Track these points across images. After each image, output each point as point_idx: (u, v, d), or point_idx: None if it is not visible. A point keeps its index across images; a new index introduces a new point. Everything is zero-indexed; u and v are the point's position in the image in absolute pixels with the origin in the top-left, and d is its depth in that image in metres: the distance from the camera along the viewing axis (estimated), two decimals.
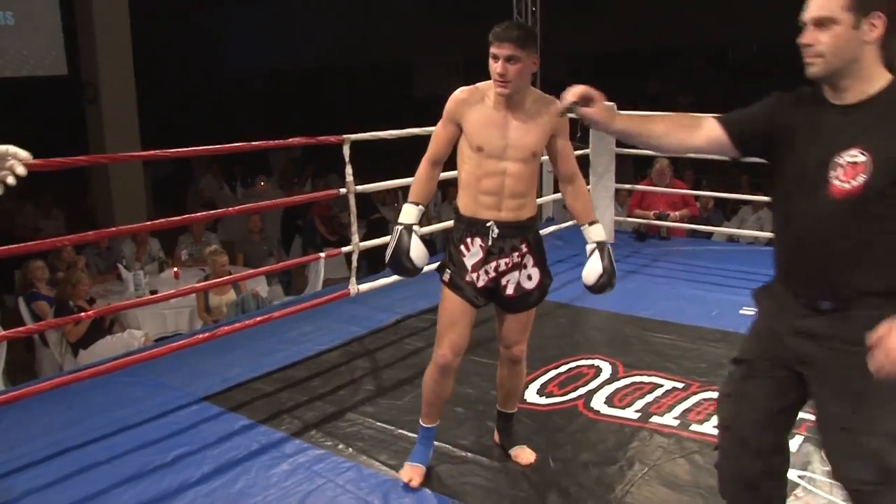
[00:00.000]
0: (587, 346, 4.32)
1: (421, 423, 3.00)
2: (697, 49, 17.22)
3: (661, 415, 3.45)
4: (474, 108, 2.71)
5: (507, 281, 2.80)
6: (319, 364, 4.07)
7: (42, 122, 12.52)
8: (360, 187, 4.45)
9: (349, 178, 4.22)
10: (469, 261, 2.77)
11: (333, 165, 10.66)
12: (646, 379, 3.82)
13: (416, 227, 2.78)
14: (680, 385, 3.72)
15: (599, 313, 4.92)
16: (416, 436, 3.11)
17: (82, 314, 3.86)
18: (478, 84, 2.74)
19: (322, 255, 4.55)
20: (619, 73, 15.95)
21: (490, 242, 2.75)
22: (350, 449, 3.17)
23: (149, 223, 4.52)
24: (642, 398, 3.62)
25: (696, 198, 7.29)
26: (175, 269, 6.95)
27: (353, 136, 4.19)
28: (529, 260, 2.81)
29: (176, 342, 4.08)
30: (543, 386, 3.76)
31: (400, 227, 2.78)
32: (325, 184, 10.07)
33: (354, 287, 4.28)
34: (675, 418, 3.41)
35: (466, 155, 2.74)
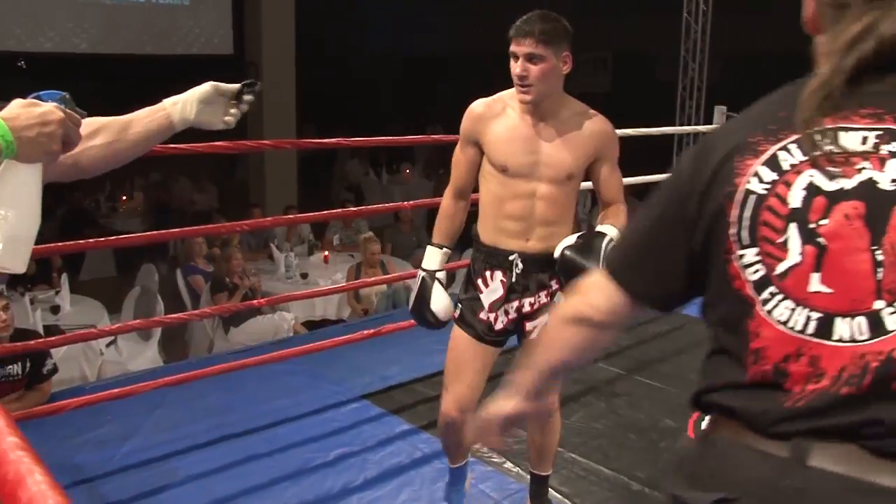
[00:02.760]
0: None
1: (448, 463, 2.66)
2: None
3: None
4: (495, 121, 2.28)
5: (534, 326, 2.35)
6: None
7: None
8: None
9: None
10: (487, 298, 2.35)
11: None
12: None
13: (440, 275, 2.40)
14: None
15: None
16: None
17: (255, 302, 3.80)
18: (500, 93, 2.33)
19: None
20: (777, 75, 15.14)
21: (513, 278, 2.32)
22: (518, 469, 2.99)
23: (298, 216, 4.49)
24: None
25: None
26: (325, 252, 6.97)
27: None
28: (559, 297, 2.34)
29: (331, 335, 4.00)
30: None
31: (422, 274, 2.40)
32: None
33: None
34: None
35: (489, 173, 2.32)
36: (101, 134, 1.48)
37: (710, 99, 7.85)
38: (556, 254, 2.17)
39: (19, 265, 1.18)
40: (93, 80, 10.11)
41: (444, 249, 2.43)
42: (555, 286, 2.33)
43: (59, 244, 3.32)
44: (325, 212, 4.08)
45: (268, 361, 3.49)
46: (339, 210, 4.88)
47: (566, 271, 2.14)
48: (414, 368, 3.84)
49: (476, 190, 2.42)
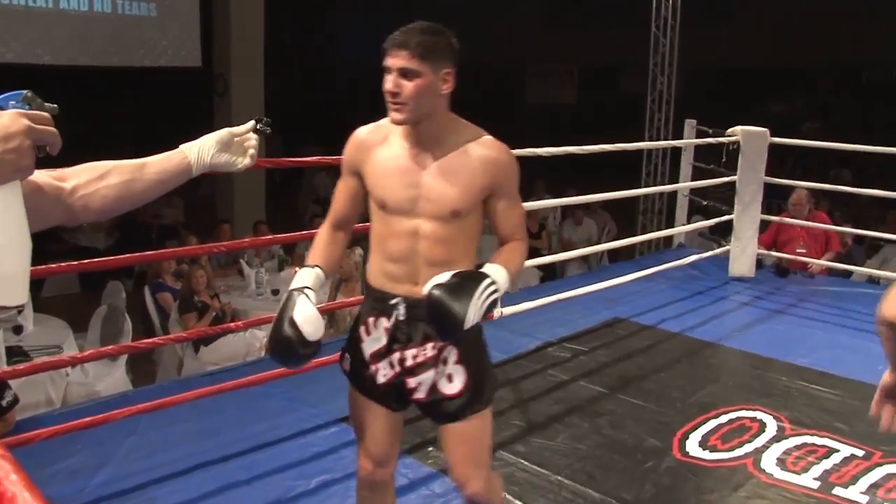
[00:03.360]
0: (744, 395, 3.96)
1: None
2: (827, 70, 16.41)
3: (846, 486, 3.09)
4: (376, 150, 2.03)
5: (418, 382, 2.07)
6: None
7: (170, 113, 12.75)
8: None
9: None
10: (368, 347, 2.09)
11: None
12: (818, 440, 3.46)
13: (309, 291, 1.96)
14: (860, 452, 3.34)
15: (750, 356, 4.55)
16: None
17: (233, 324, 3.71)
18: (384, 119, 2.03)
19: None
20: (743, 91, 15.35)
21: (395, 324, 2.05)
22: (505, 494, 2.94)
23: (274, 237, 4.41)
24: (818, 463, 3.26)
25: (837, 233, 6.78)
26: (295, 268, 6.86)
27: (515, 152, 3.94)
28: (452, 354, 2.05)
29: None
30: (706, 438, 3.44)
31: (291, 291, 1.98)
32: None
33: (499, 309, 4.05)
34: (863, 493, 3.05)
35: (372, 209, 2.07)
36: (112, 174, 1.41)
37: (678, 112, 7.91)
38: (424, 292, 1.87)
39: (18, 298, 1.08)
40: (58, 93, 9.90)
41: (318, 270, 2.03)
42: (440, 342, 2.04)
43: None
44: (299, 233, 4.00)
45: (243, 385, 3.39)
46: (314, 231, 4.78)
47: (432, 314, 1.85)
48: None
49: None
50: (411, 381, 2.07)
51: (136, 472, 3.02)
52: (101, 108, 12.68)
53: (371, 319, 2.09)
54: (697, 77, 15.77)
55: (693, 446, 3.35)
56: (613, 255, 8.26)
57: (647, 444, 3.33)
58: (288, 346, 1.90)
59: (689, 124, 6.30)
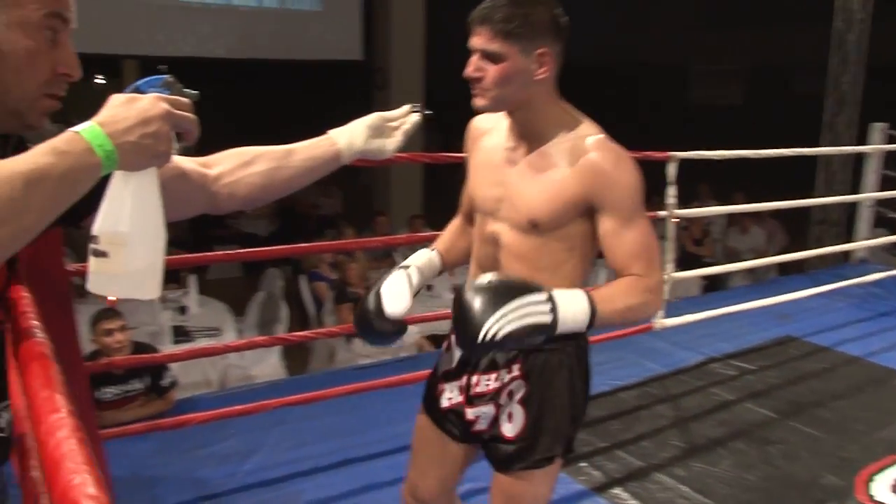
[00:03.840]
0: None
1: None
2: None
3: None
4: (482, 140, 1.78)
5: (476, 415, 1.78)
6: (617, 403, 3.64)
7: (330, 106, 13.07)
8: (681, 211, 3.95)
9: (671, 199, 3.74)
10: (443, 364, 1.87)
11: None
12: None
13: (412, 270, 1.81)
14: None
15: None
16: None
17: None
18: None
19: None
20: None
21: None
22: None
23: (424, 234, 4.29)
24: None
25: None
26: None
27: (682, 154, 3.70)
28: (519, 391, 1.73)
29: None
30: None
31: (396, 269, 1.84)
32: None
33: (660, 321, 3.81)
34: None
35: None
36: (259, 161, 1.34)
37: (863, 115, 7.30)
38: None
39: (150, 292, 1.01)
40: (228, 85, 10.35)
41: (433, 253, 1.89)
42: (508, 374, 1.73)
43: (189, 255, 3.27)
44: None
45: (395, 383, 3.32)
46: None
47: (454, 317, 1.46)
48: None
49: None
50: (469, 412, 1.79)
51: (284, 462, 3.02)
52: (261, 100, 13.13)
53: (453, 335, 1.78)
54: (883, 76, 14.64)
55: (882, 490, 2.99)
56: (782, 267, 7.74)
57: (826, 482, 3.01)
58: (364, 317, 1.76)
59: (877, 128, 5.79)
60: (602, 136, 1.61)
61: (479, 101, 1.61)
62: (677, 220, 3.86)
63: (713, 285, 7.41)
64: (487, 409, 1.76)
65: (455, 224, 1.97)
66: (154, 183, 1.00)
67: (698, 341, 4.39)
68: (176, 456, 3.02)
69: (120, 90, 1.03)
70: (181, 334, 4.72)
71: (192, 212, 1.35)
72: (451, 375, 1.82)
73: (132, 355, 3.38)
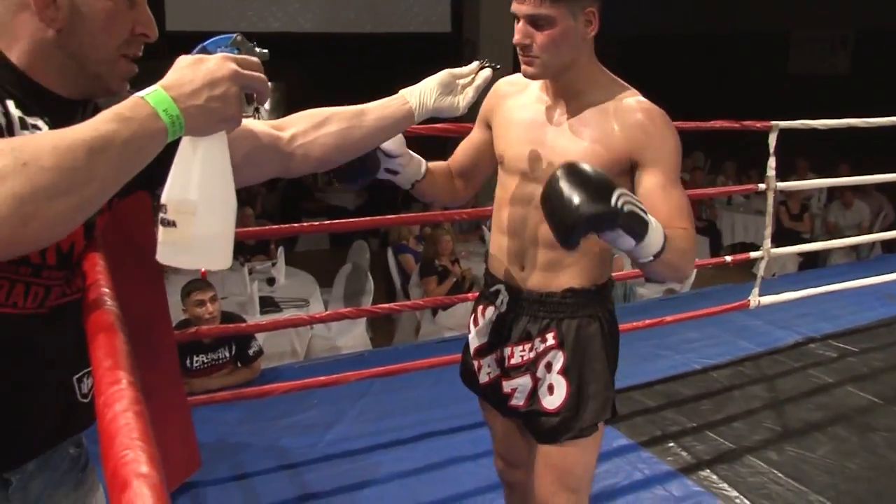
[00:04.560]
0: None
1: None
2: None
3: None
4: (510, 99, 1.71)
5: (513, 388, 1.73)
6: (707, 382, 3.52)
7: (418, 78, 13.05)
8: (783, 184, 3.76)
9: (771, 171, 3.56)
10: (474, 341, 1.80)
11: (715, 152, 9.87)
12: None
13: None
14: None
15: None
16: None
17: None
18: None
19: (728, 258, 3.92)
20: None
21: (497, 317, 1.74)
22: None
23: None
24: None
25: None
26: None
27: (784, 124, 3.51)
28: (558, 361, 1.66)
29: None
30: None
31: None
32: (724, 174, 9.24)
33: (756, 298, 3.65)
34: None
35: (498, 172, 1.76)
36: (332, 122, 1.32)
37: None
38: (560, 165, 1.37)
39: (220, 262, 0.97)
40: (318, 58, 10.44)
41: (425, 163, 1.76)
42: (543, 344, 1.67)
43: (277, 227, 3.28)
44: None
45: None
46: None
47: (544, 197, 1.34)
48: (631, 374, 3.49)
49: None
50: (506, 385, 1.74)
51: (365, 433, 3.03)
52: (348, 74, 13.23)
53: (480, 308, 1.79)
54: None
55: None
56: (888, 244, 7.35)
57: None
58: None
59: None
60: (644, 98, 1.58)
61: (529, 69, 1.55)
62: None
63: (810, 262, 7.11)
64: (524, 381, 1.71)
65: (443, 165, 1.84)
66: (223, 148, 0.96)
67: (796, 320, 4.21)
68: (260, 424, 3.06)
69: None
70: (269, 305, 4.78)
71: (265, 175, 1.33)
72: (485, 351, 1.77)
73: (220, 325, 3.43)
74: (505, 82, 1.74)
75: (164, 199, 0.94)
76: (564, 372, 1.66)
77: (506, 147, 1.69)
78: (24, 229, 0.75)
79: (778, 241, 4.22)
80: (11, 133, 0.91)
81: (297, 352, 4.62)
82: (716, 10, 16.61)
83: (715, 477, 2.76)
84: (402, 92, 1.42)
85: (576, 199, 1.27)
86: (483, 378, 1.79)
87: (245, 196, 7.98)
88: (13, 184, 0.73)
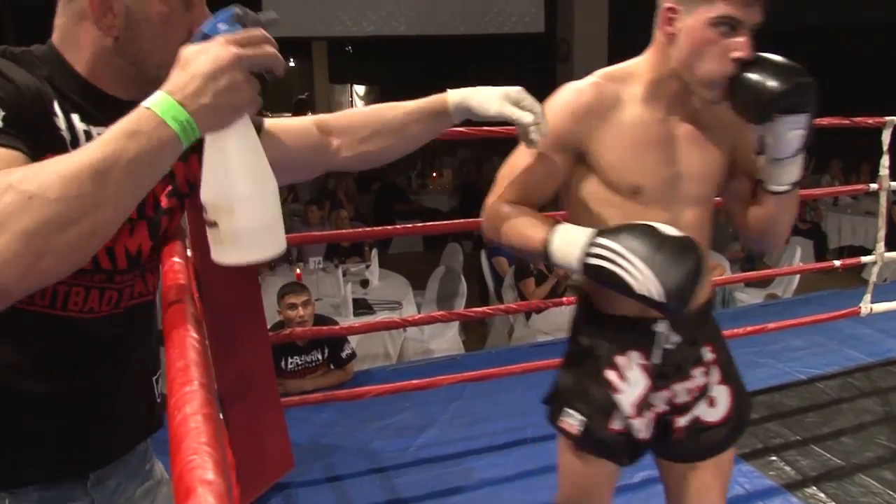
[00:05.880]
0: None
1: None
2: None
3: None
4: (611, 116, 1.44)
5: (687, 422, 1.58)
6: (814, 393, 3.35)
7: (513, 80, 12.97)
8: None
9: (884, 170, 3.36)
10: (627, 397, 1.54)
11: (818, 150, 9.50)
12: None
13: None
14: None
15: None
16: None
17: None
18: (605, 71, 1.49)
19: (837, 263, 3.73)
20: None
21: (660, 359, 1.53)
22: None
23: None
24: None
25: None
26: None
27: None
28: (714, 374, 1.58)
29: None
30: None
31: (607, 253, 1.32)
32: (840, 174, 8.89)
33: (867, 305, 3.45)
34: None
35: (601, 201, 1.47)
36: (378, 137, 1.32)
37: None
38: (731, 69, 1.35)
39: (271, 250, 0.94)
40: (411, 61, 10.51)
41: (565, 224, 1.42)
42: (711, 355, 1.58)
43: (371, 230, 3.29)
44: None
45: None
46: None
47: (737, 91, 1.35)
48: None
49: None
50: (681, 421, 1.58)
51: (457, 438, 3.00)
52: (442, 75, 13.25)
53: (619, 359, 1.54)
54: None
55: None
56: None
57: None
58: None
59: None
60: None
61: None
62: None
63: None
64: (702, 407, 1.59)
65: (517, 209, 1.48)
66: (248, 135, 0.92)
67: None
68: (352, 426, 3.07)
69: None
70: (362, 307, 4.82)
71: (310, 174, 1.37)
72: (645, 401, 1.56)
73: (314, 327, 3.47)
74: (587, 95, 1.45)
75: (202, 200, 0.92)
76: (724, 380, 1.60)
77: (641, 174, 1.45)
78: (38, 264, 0.74)
79: (891, 244, 3.98)
80: (76, 147, 0.91)
81: (389, 354, 4.64)
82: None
83: (822, 495, 2.61)
84: (451, 93, 1.35)
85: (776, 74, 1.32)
86: (643, 434, 1.57)
87: (341, 198, 8.10)
88: (21, 220, 0.72)
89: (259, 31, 0.91)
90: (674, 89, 1.45)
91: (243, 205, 0.90)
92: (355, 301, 4.88)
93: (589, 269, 1.32)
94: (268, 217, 0.93)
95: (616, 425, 1.54)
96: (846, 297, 3.71)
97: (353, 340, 3.79)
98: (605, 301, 1.55)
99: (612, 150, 1.45)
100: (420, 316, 3.80)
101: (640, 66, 1.48)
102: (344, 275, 5.26)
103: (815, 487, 2.66)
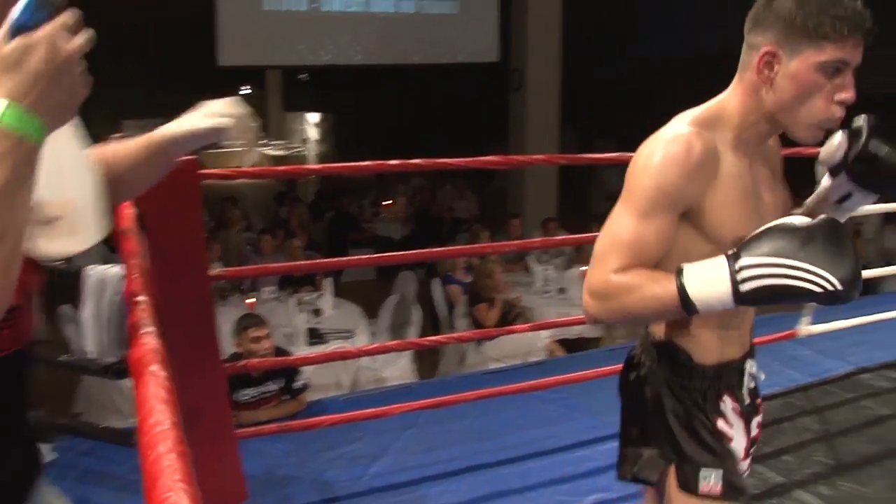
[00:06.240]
0: None
1: None
2: None
3: None
4: (717, 170, 1.39)
5: (750, 457, 1.64)
6: None
7: (466, 108, 13.10)
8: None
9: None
10: (739, 441, 1.55)
11: None
12: None
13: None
14: None
15: None
16: None
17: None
18: (694, 117, 1.42)
19: None
20: None
21: (746, 396, 1.57)
22: None
23: (566, 238, 4.27)
24: None
25: None
26: (583, 267, 6.70)
27: None
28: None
29: (591, 361, 3.75)
30: None
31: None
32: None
33: (805, 327, 3.58)
34: None
35: (703, 255, 1.33)
36: (149, 171, 1.36)
37: None
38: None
39: (94, 237, 0.98)
40: (368, 90, 10.59)
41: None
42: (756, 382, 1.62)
43: (324, 261, 3.32)
44: (589, 234, 3.81)
45: (524, 389, 3.28)
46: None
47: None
48: None
49: None
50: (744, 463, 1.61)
51: (411, 466, 3.04)
52: (398, 104, 13.33)
53: (720, 404, 1.53)
54: None
55: None
56: None
57: None
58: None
59: None
60: None
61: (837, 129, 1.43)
62: None
63: (863, 290, 6.95)
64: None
65: (641, 271, 1.36)
66: (73, 130, 0.95)
67: (848, 350, 4.12)
68: (307, 456, 3.09)
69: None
70: (315, 336, 4.84)
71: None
72: (751, 443, 1.61)
73: (268, 358, 3.49)
74: (699, 148, 1.36)
75: (36, 199, 0.90)
76: None
77: (739, 228, 1.37)
78: None
79: None
80: None
81: (342, 384, 4.66)
82: None
83: None
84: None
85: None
86: (747, 473, 1.62)
87: (294, 227, 8.10)
88: None
89: (72, 14, 0.85)
90: (763, 132, 1.43)
91: (78, 196, 0.94)
92: (308, 330, 4.91)
93: (751, 296, 1.23)
94: (87, 204, 0.97)
95: (742, 467, 1.56)
96: (785, 319, 3.83)
97: (307, 370, 3.82)
98: (701, 350, 1.51)
99: (723, 206, 1.39)
100: (374, 346, 3.84)
101: (727, 110, 1.43)
102: (298, 304, 5.28)
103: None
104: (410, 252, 3.39)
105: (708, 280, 1.25)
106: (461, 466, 3.03)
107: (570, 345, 5.64)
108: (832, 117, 1.34)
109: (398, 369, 4.99)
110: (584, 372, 3.36)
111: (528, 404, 3.47)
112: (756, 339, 3.52)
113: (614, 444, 3.17)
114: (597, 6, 14.97)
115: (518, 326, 3.91)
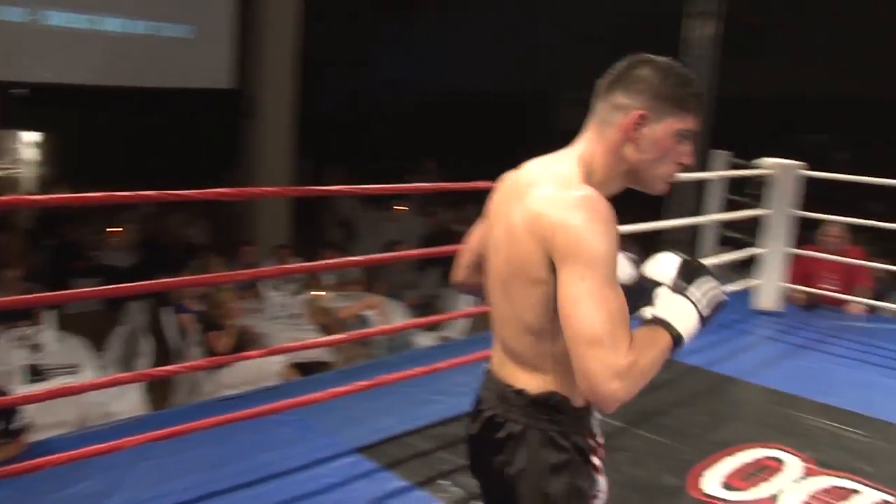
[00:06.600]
0: (766, 433, 3.85)
1: None
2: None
3: None
4: None
5: None
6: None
7: (200, 133, 12.78)
8: None
9: None
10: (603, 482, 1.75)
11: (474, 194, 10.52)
12: (843, 483, 3.37)
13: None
14: (889, 498, 3.25)
15: (773, 393, 4.45)
16: None
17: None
18: (576, 175, 1.56)
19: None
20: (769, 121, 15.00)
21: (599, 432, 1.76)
22: None
23: (299, 266, 4.37)
24: None
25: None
26: (313, 292, 6.85)
27: None
28: None
29: (325, 383, 3.90)
30: (725, 476, 3.35)
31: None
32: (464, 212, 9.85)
33: None
34: None
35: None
36: None
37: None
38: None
39: None
40: (98, 111, 10.08)
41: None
42: None
43: (44, 295, 3.21)
44: (321, 262, 4.00)
45: (258, 413, 3.36)
46: (334, 260, 4.77)
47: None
48: (407, 419, 3.71)
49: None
50: None
51: (146, 499, 3.00)
52: (130, 126, 12.78)
53: (595, 444, 1.73)
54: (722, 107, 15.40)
55: (711, 485, 3.28)
56: None
57: (664, 482, 3.26)
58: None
59: (719, 155, 6.21)
60: None
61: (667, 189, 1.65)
62: None
63: None
64: None
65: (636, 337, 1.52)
66: None
67: None
68: (32, 501, 2.95)
69: None
70: (36, 373, 4.58)
71: None
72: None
73: None
74: (609, 208, 1.50)
75: None
76: None
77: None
78: None
79: None
80: None
81: (68, 421, 4.44)
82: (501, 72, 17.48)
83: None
84: None
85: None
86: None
87: (7, 257, 7.51)
88: None
89: None
90: (619, 186, 1.63)
91: None
92: (29, 367, 4.63)
93: (713, 313, 1.59)
94: None
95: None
96: None
97: (28, 410, 3.61)
98: (576, 395, 1.61)
99: None
100: (101, 379, 3.73)
101: (593, 166, 1.58)
102: (16, 339, 4.95)
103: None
104: (139, 283, 3.34)
105: (685, 316, 1.54)
106: (196, 495, 3.03)
107: (304, 368, 5.77)
108: (674, 175, 1.61)
109: (129, 402, 4.84)
110: (318, 393, 3.51)
111: (263, 428, 3.54)
112: (484, 353, 3.85)
113: (350, 460, 3.38)
114: (333, 38, 15.30)
115: (252, 352, 3.98)
